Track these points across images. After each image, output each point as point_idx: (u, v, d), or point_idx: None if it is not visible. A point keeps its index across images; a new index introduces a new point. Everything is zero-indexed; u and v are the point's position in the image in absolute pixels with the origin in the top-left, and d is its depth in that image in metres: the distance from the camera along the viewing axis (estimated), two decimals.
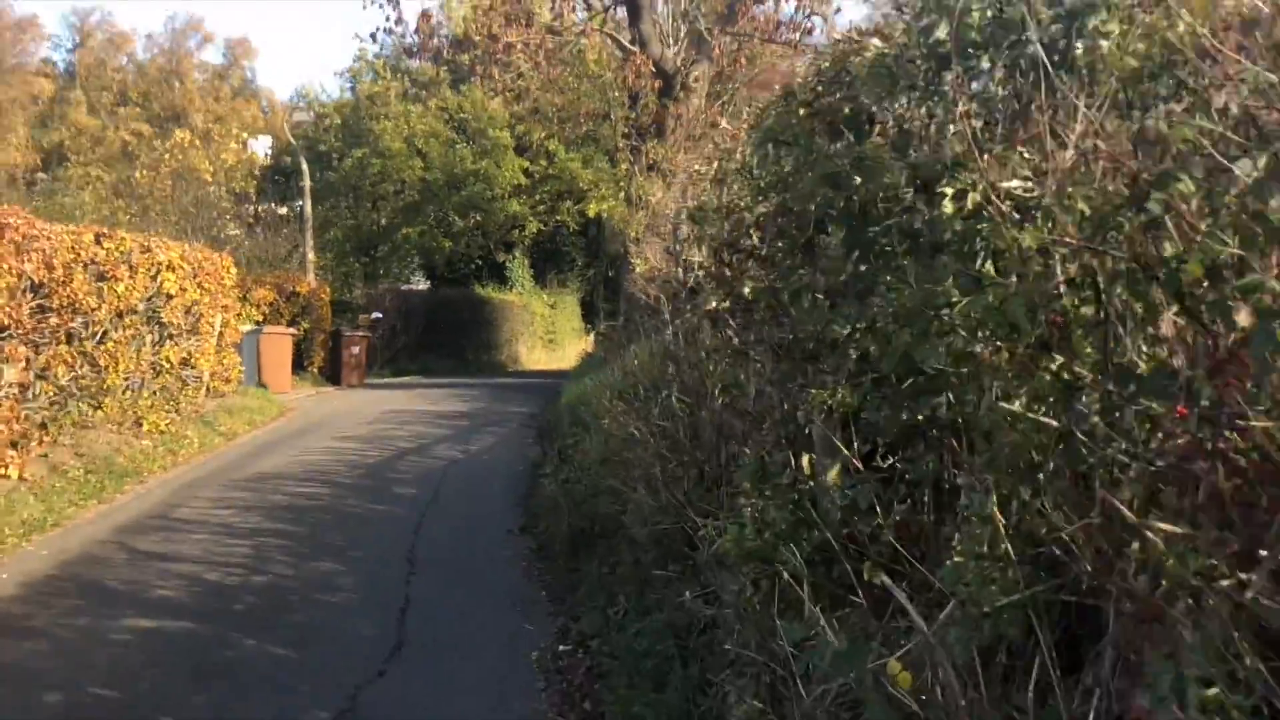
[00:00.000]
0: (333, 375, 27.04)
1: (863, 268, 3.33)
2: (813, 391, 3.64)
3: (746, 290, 4.68)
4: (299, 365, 26.70)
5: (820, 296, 3.74)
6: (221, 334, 18.53)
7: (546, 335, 43.60)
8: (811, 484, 3.85)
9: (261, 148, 43.50)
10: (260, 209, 39.17)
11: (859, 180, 3.32)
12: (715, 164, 6.13)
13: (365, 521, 9.94)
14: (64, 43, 46.87)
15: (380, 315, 32.62)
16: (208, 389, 18.17)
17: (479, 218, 39.24)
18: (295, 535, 9.33)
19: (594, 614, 6.36)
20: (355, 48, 54.52)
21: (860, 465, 3.63)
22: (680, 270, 7.70)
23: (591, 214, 42.22)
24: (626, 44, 22.37)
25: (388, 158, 37.95)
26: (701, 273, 6.71)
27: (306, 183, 29.59)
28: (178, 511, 10.35)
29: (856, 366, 3.42)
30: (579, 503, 7.51)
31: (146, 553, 8.78)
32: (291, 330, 24.38)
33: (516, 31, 21.22)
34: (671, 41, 22.67)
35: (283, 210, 42.70)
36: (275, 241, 35.32)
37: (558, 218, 41.12)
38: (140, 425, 14.28)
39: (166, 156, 27.21)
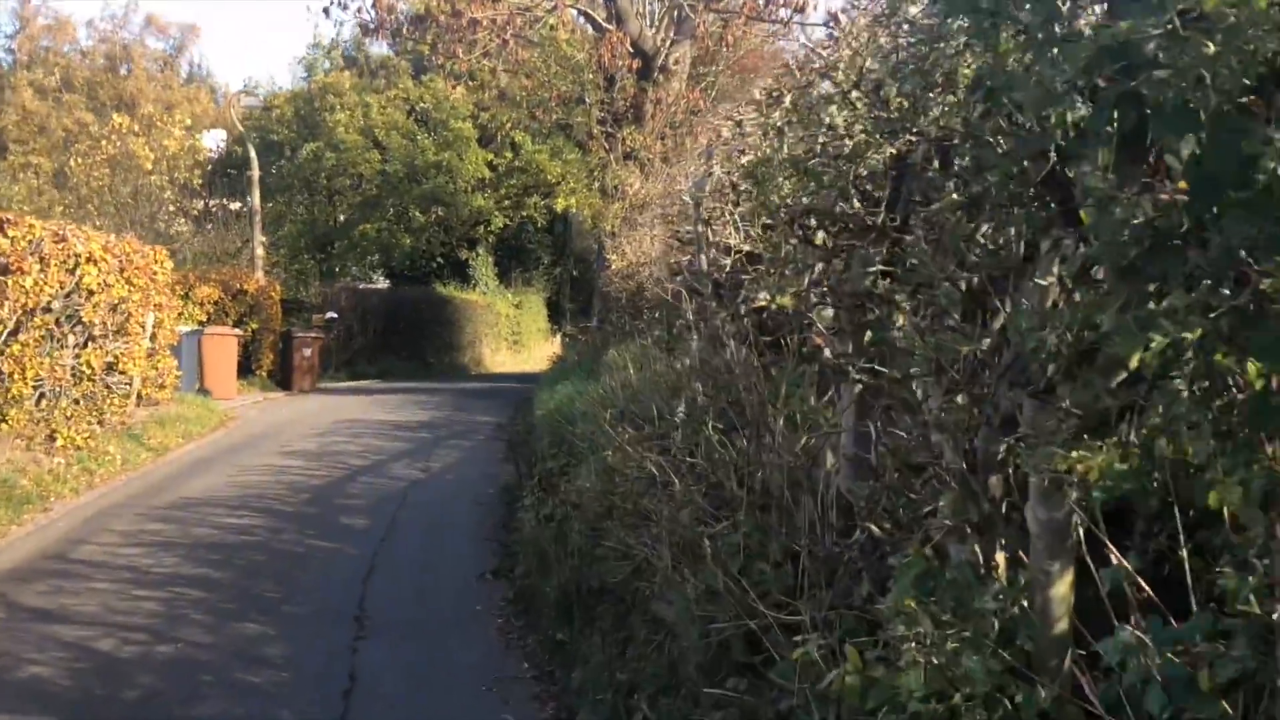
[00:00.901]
0: (283, 380, 25.21)
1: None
2: (1050, 451, 2.04)
3: (869, 278, 3.04)
4: (246, 369, 24.87)
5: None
6: (155, 335, 16.71)
7: (511, 336, 41.86)
8: (1024, 605, 2.23)
9: (213, 141, 41.54)
10: (211, 204, 37.39)
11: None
12: (778, 103, 4.50)
13: (306, 563, 8.23)
14: (3, 27, 44.63)
15: (335, 315, 30.80)
16: (139, 397, 16.33)
17: (441, 212, 37.43)
18: (218, 584, 7.61)
19: (599, 716, 4.71)
20: (310, 34, 52.55)
21: (1145, 584, 2.02)
22: (707, 256, 6.04)
23: (560, 208, 40.48)
24: (601, 21, 20.71)
25: (343, 150, 36.07)
26: (746, 254, 5.07)
27: (255, 172, 27.73)
28: (80, 550, 8.60)
29: (1169, 411, 1.83)
30: (574, 555, 5.87)
31: (29, 609, 7.03)
32: (236, 331, 22.54)
33: (481, 7, 19.51)
34: (651, 19, 21.02)
35: (235, 205, 40.81)
36: (225, 237, 33.45)
37: (524, 213, 39.36)
38: (54, 440, 12.49)
39: (104, 143, 25.23)
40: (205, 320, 23.82)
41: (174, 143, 25.58)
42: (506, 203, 38.97)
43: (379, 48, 41.35)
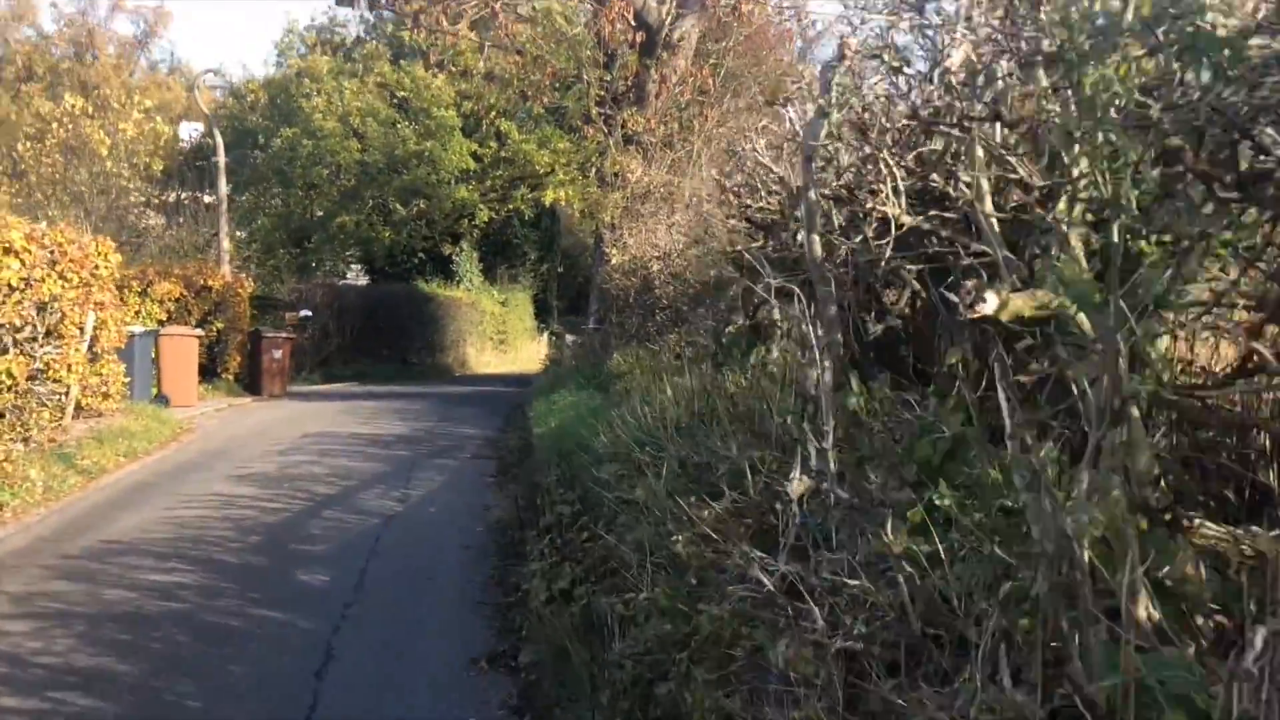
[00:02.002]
0: (251, 383, 23.21)
1: None
2: None
3: None
4: (212, 372, 22.89)
5: None
6: (96, 337, 14.71)
7: (497, 336, 39.87)
8: None
9: (189, 132, 39.45)
10: (183, 196, 35.41)
11: None
12: None
13: (243, 647, 6.25)
14: None
15: (309, 313, 28.79)
16: (77, 408, 14.36)
17: (423, 205, 35.38)
18: (117, 684, 5.63)
19: None
20: (285, 19, 50.40)
21: None
22: (821, 235, 4.07)
23: (548, 201, 38.50)
24: None
25: (320, 138, 34.00)
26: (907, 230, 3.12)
27: (221, 157, 25.71)
28: None
29: None
30: (621, 694, 3.93)
31: None
32: (197, 332, 20.50)
33: None
34: None
35: (209, 199, 38.69)
36: (195, 230, 31.38)
37: (510, 206, 37.33)
38: None
39: (55, 126, 23.12)
40: (166, 319, 21.85)
41: (132, 126, 23.45)
42: (492, 195, 36.94)
43: (356, 29, 39.34)
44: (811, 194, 3.84)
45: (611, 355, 15.95)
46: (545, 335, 47.13)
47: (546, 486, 7.76)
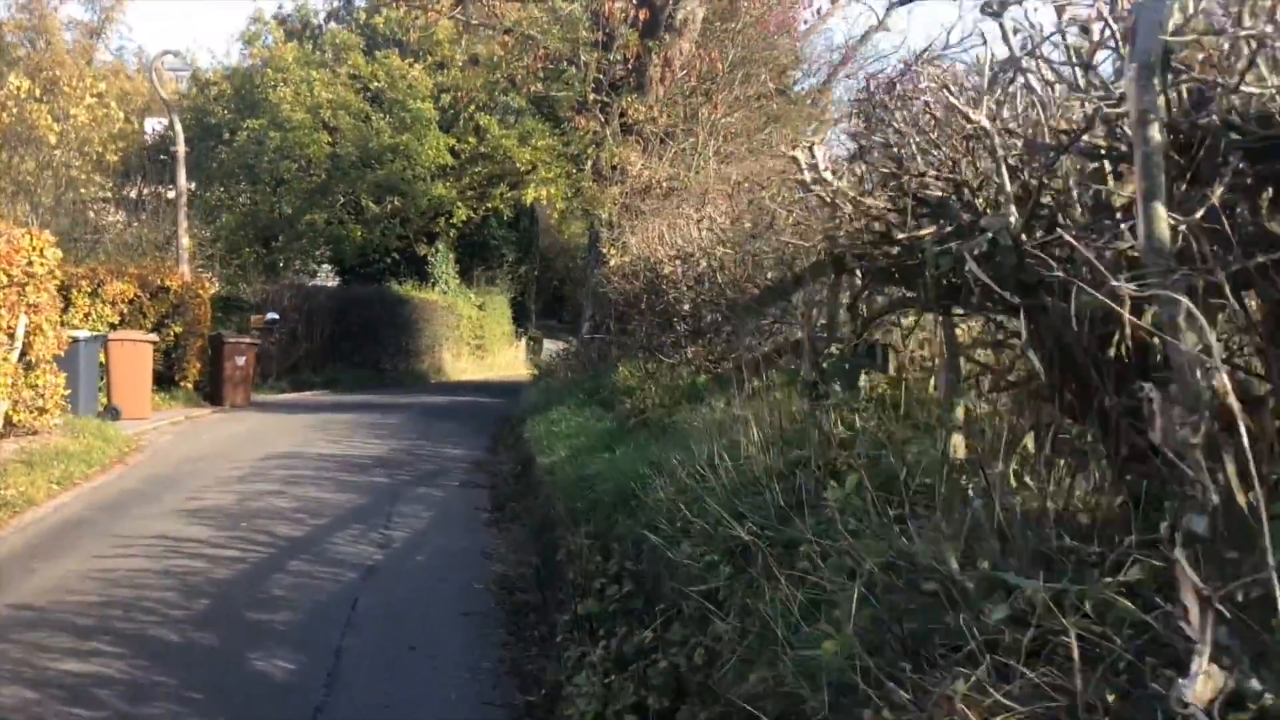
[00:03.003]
0: (212, 393, 21.38)
1: None
2: None
3: None
4: (169, 380, 21.04)
5: None
6: (30, 344, 12.92)
7: (474, 341, 38.08)
8: None
9: (151, 126, 37.52)
10: (145, 192, 33.55)
11: None
12: None
13: None
14: None
15: (276, 316, 26.91)
16: (7, 424, 12.58)
17: (397, 202, 33.57)
18: None
19: None
20: (251, 7, 48.30)
21: None
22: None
23: (529, 200, 36.71)
24: None
25: (288, 130, 32.14)
26: None
27: (180, 148, 23.83)
28: None
29: None
30: None
31: None
32: (151, 337, 18.68)
33: None
34: None
35: (172, 194, 36.72)
36: (156, 227, 29.46)
37: (489, 204, 35.58)
38: None
39: None
40: (118, 322, 20.02)
41: (84, 112, 21.57)
42: (470, 193, 35.20)
43: (324, 6, 37.51)
44: (1153, 130, 2.20)
45: (615, 368, 14.30)
46: (523, 340, 45.49)
47: (576, 550, 6.06)
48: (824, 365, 5.06)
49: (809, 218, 6.75)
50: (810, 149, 5.89)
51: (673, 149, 17.47)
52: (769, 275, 7.08)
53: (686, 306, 12.03)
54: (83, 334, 16.16)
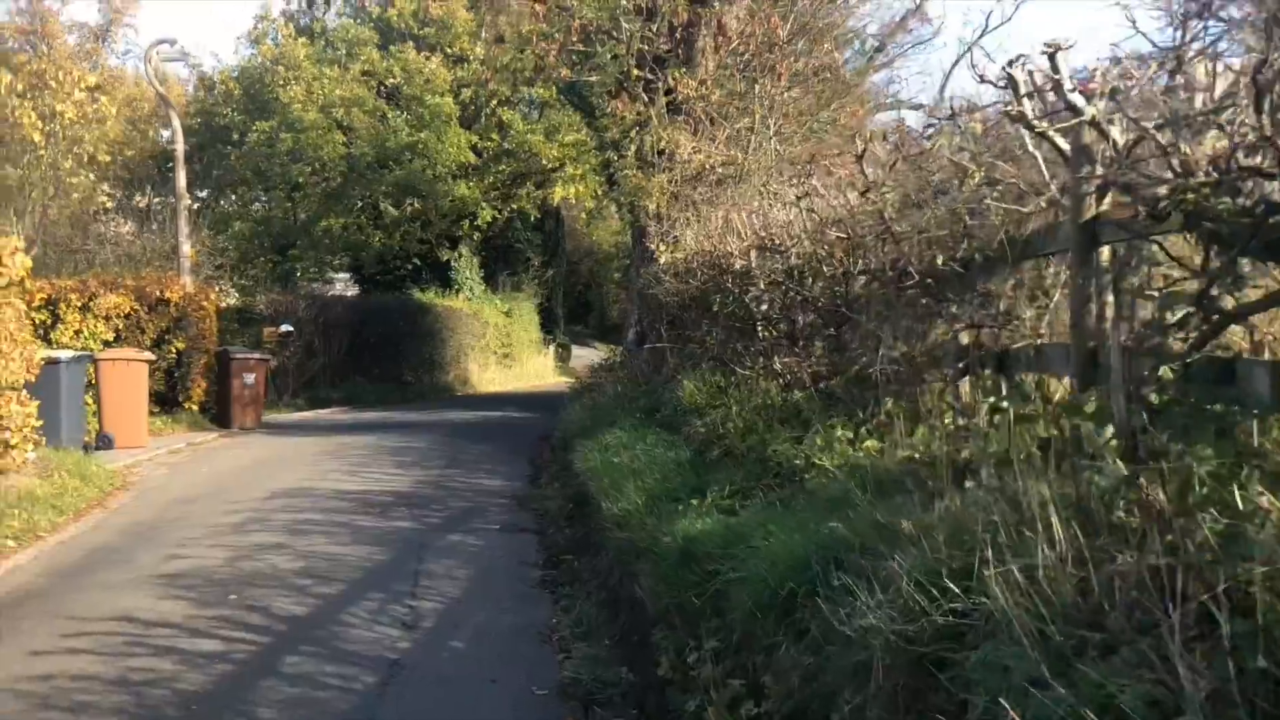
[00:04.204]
0: (219, 414, 19.47)
1: None
2: None
3: None
4: (172, 401, 19.14)
5: None
6: None
7: (501, 349, 36.08)
8: None
9: (165, 136, 35.75)
10: (155, 201, 31.92)
11: None
12: None
13: None
14: None
15: (291, 329, 25.01)
16: None
17: (417, 205, 31.64)
18: None
19: None
20: (259, 6, 46.10)
21: None
22: None
23: (557, 199, 34.85)
24: None
25: (300, 130, 30.24)
26: None
27: (179, 144, 21.93)
28: None
29: None
30: None
31: None
32: (147, 355, 16.73)
33: None
34: None
35: (185, 202, 34.88)
36: (165, 237, 27.61)
37: (515, 205, 33.63)
38: None
39: None
40: (113, 339, 18.14)
41: (72, 108, 19.66)
42: (494, 193, 33.27)
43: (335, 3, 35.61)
44: None
45: (675, 382, 12.26)
46: (552, 347, 43.46)
47: (705, 681, 4.00)
48: (1157, 396, 2.99)
49: (1013, 173, 4.70)
50: (1053, 55, 3.85)
51: (725, 130, 15.40)
52: (951, 255, 5.00)
53: (765, 307, 10.00)
54: (64, 354, 14.22)
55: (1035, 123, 4.08)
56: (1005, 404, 4.58)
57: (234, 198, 35.69)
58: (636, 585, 5.78)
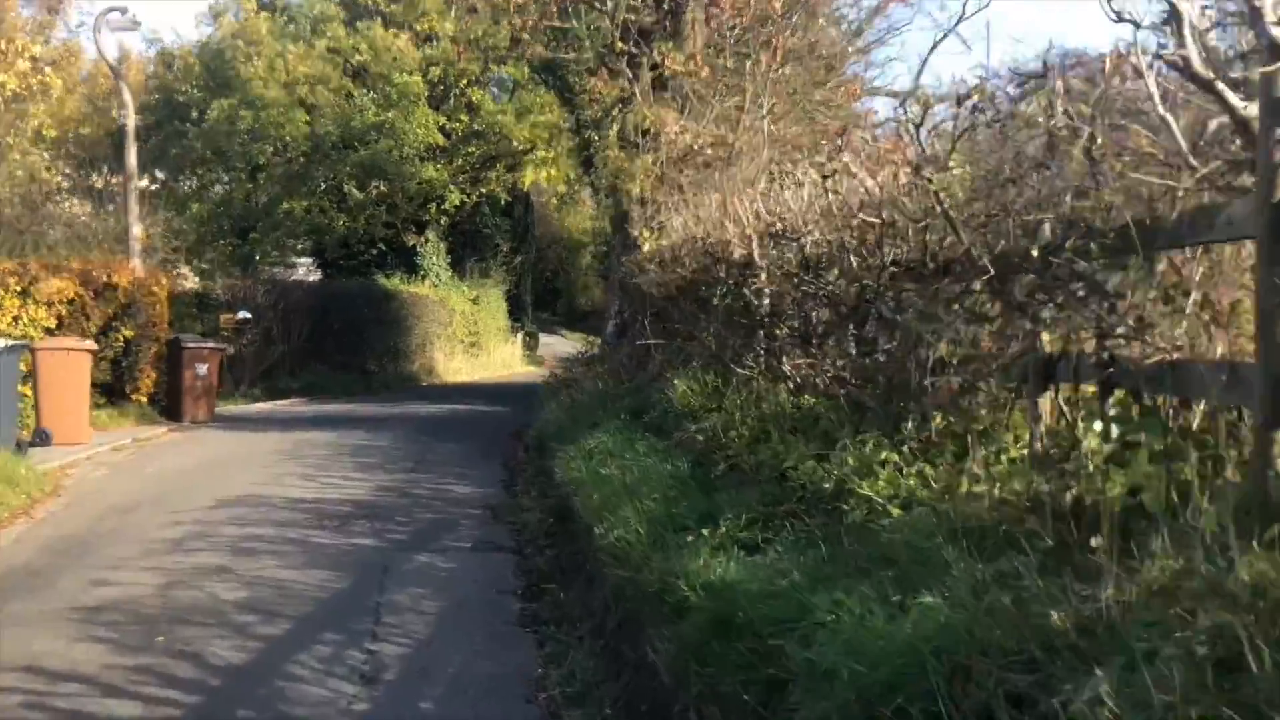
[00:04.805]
0: (169, 406, 18.30)
1: None
2: None
3: None
4: (120, 393, 17.94)
5: None
6: None
7: (468, 337, 34.94)
8: None
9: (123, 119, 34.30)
10: (114, 181, 30.53)
11: None
12: None
13: None
14: None
15: (249, 315, 23.81)
16: None
17: (383, 187, 30.41)
18: None
19: None
20: None
21: None
22: None
23: (528, 182, 33.78)
24: None
25: (260, 108, 28.97)
26: None
27: (130, 120, 20.67)
28: None
29: None
30: None
31: None
32: (88, 344, 15.53)
33: None
34: None
35: (143, 183, 33.49)
36: (120, 217, 26.29)
37: (484, 188, 32.48)
38: None
39: None
40: (55, 327, 16.91)
41: (14, 79, 18.40)
42: (463, 176, 32.11)
43: None
44: None
45: (664, 380, 11.25)
46: (519, 336, 42.32)
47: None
48: None
49: (1149, 142, 3.70)
50: None
51: (714, 109, 14.37)
52: (1053, 242, 3.99)
53: (768, 301, 9.00)
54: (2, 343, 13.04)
55: (1202, 72, 3.07)
56: (1133, 434, 3.60)
57: (193, 179, 34.35)
58: (648, 647, 4.74)
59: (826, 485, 5.84)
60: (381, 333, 28.69)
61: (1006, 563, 3.30)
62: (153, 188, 34.21)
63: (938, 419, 5.70)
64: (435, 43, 31.33)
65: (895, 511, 4.88)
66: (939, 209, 5.16)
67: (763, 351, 8.76)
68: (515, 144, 30.98)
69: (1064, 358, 4.29)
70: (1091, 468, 3.84)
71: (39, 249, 22.31)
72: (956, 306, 5.58)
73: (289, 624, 6.57)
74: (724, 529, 5.83)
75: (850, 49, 25.49)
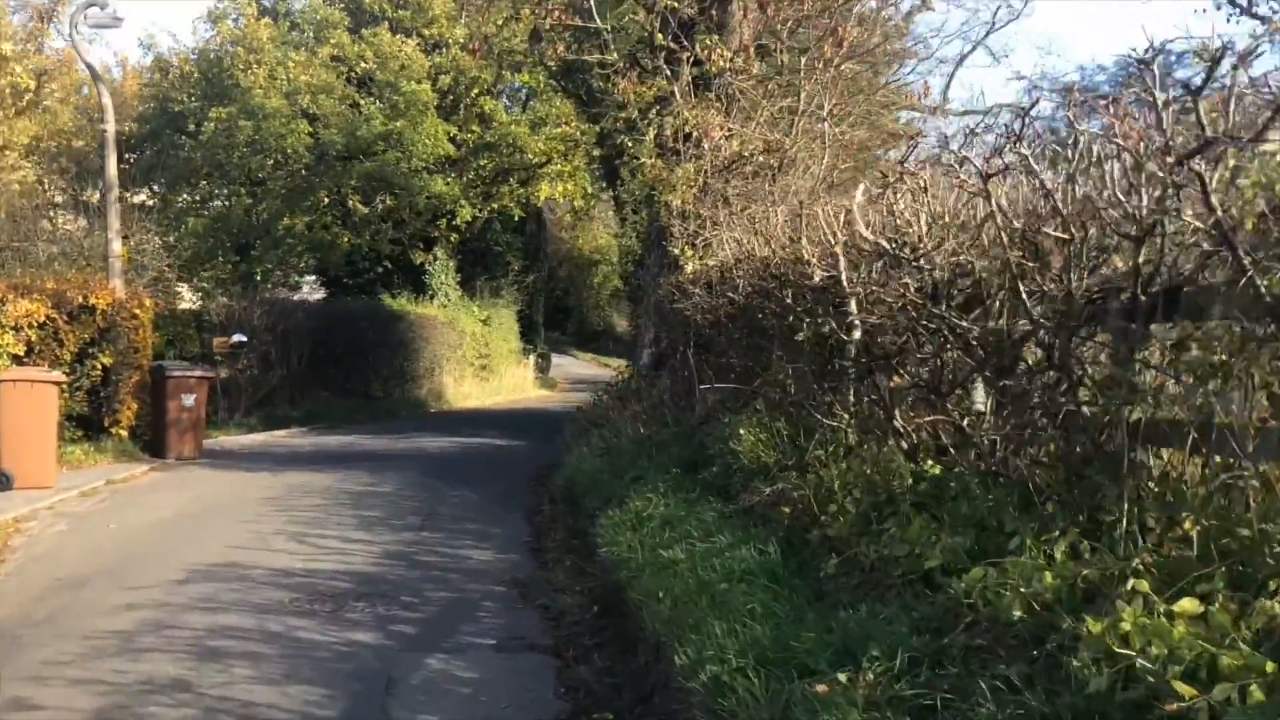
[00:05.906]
0: (153, 440, 16.57)
1: None
2: None
3: None
4: (97, 426, 16.21)
5: None
6: None
7: (478, 360, 33.19)
8: None
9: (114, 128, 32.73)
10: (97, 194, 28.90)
11: None
12: None
13: None
14: None
15: (244, 338, 22.09)
16: None
17: (390, 201, 28.71)
18: None
19: None
20: None
21: None
22: None
23: (543, 198, 32.09)
24: None
25: (261, 118, 27.29)
26: None
27: (110, 125, 18.90)
28: None
29: None
30: None
31: None
32: (55, 376, 13.79)
33: None
34: None
35: (138, 198, 31.86)
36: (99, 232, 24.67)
37: (496, 204, 30.76)
38: None
39: None
40: (24, 354, 15.24)
41: None
42: (474, 191, 30.40)
43: None
44: None
45: (716, 422, 9.51)
46: (531, 358, 40.54)
47: None
48: None
49: None
50: None
51: (764, 111, 12.65)
52: None
53: (858, 334, 7.24)
54: None
55: None
56: None
57: (191, 192, 32.73)
58: None
59: (1016, 613, 4.08)
60: (387, 356, 27.00)
61: None
62: (147, 202, 32.65)
63: (1188, 522, 3.94)
64: (445, 50, 29.71)
65: (1183, 689, 3.11)
66: (1216, 214, 3.42)
67: (866, 400, 7.00)
68: (530, 157, 29.29)
69: None
70: None
71: (25, 266, 20.77)
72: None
73: None
74: (870, 675, 4.08)
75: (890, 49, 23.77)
